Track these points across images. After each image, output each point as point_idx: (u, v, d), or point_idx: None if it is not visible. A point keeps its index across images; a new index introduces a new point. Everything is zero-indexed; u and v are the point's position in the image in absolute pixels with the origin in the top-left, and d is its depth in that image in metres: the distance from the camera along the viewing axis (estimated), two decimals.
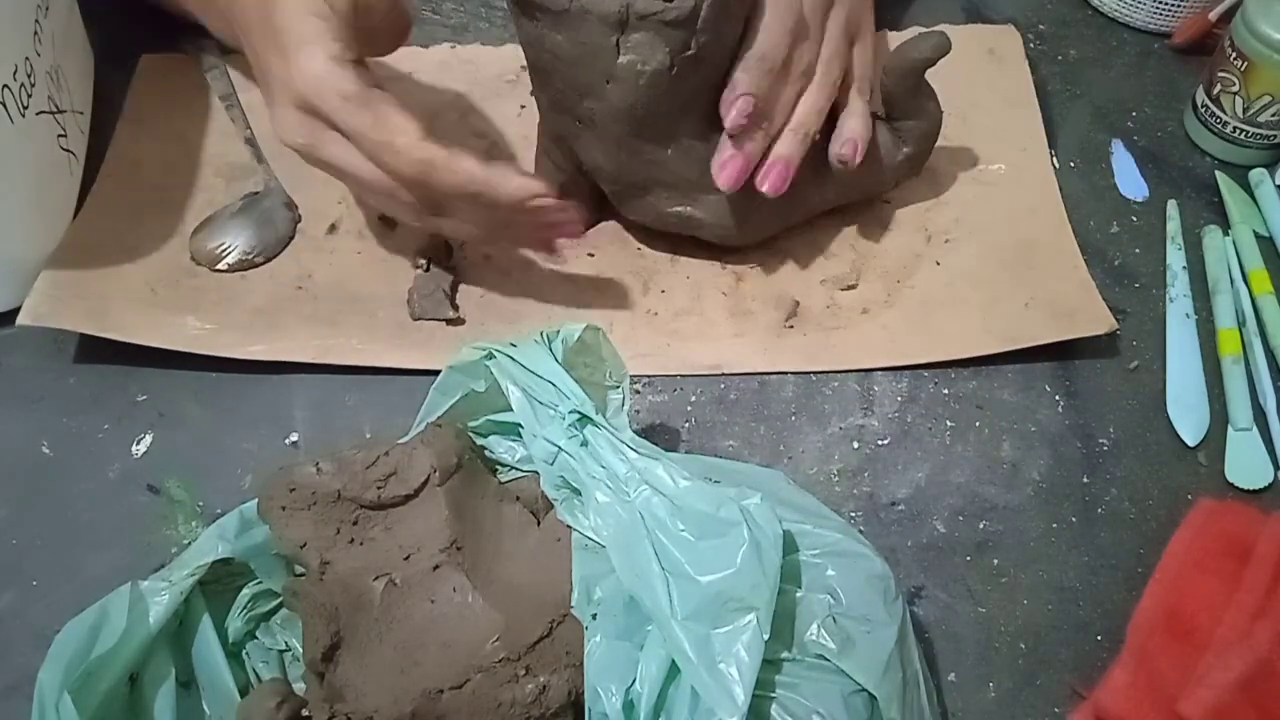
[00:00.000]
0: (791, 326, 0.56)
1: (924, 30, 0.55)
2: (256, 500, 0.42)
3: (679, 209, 0.55)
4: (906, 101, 0.56)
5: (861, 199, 0.59)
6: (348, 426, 0.53)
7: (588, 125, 0.52)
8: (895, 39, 0.68)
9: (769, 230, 0.57)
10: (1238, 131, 0.63)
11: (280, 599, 0.44)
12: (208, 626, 0.42)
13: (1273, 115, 0.61)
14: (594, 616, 0.38)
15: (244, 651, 0.44)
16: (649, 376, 0.55)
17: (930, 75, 0.56)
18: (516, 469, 0.46)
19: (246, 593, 0.44)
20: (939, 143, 0.59)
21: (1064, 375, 0.55)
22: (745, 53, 0.51)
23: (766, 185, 0.53)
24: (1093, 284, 0.56)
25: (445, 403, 0.45)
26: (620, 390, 0.44)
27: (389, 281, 0.57)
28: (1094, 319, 0.55)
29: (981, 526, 0.50)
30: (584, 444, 0.41)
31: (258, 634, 0.44)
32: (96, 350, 0.54)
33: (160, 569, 0.42)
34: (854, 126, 0.55)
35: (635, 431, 0.42)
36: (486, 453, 0.46)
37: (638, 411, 0.54)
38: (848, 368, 0.55)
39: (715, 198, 0.54)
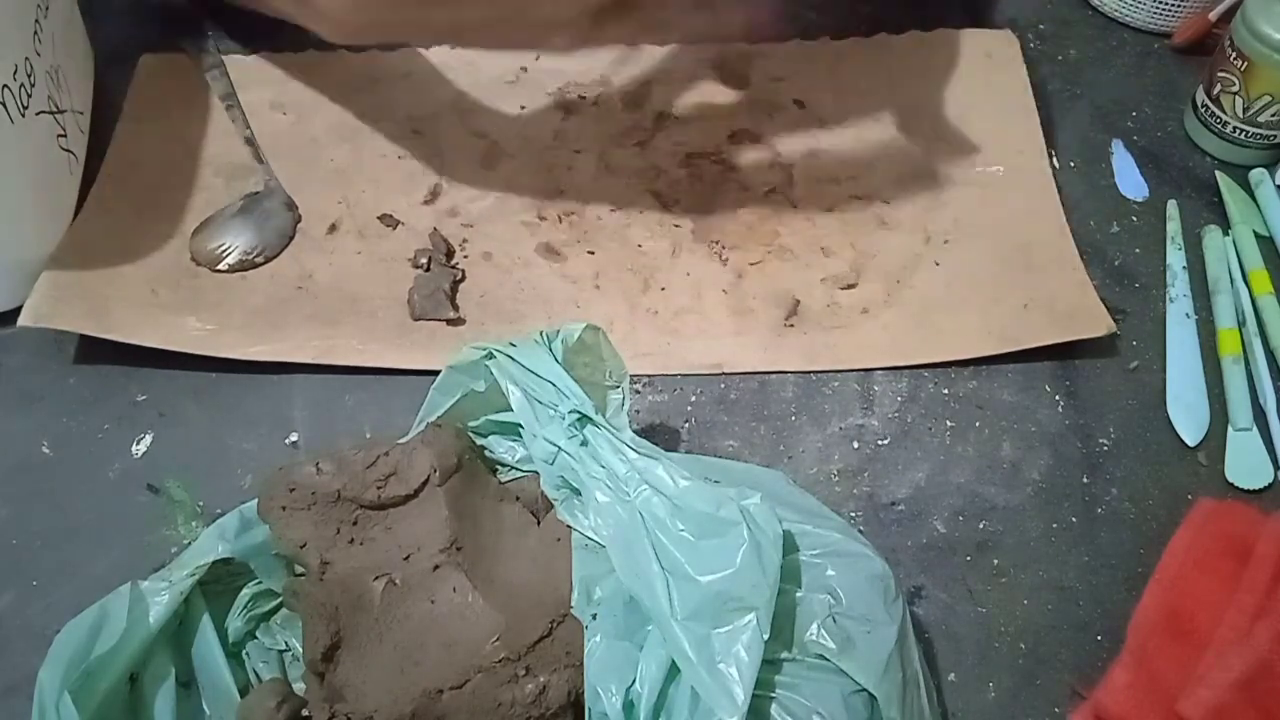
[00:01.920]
0: (792, 325, 0.56)
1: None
2: (256, 500, 0.42)
3: None
4: None
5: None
6: (348, 426, 0.53)
7: None
8: (895, 41, 0.68)
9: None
10: (1238, 131, 0.63)
11: (280, 599, 0.44)
12: (208, 626, 0.42)
13: (1273, 115, 0.61)
14: (594, 616, 0.38)
15: (244, 651, 0.44)
16: (649, 376, 0.55)
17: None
18: (516, 469, 0.46)
19: (246, 593, 0.44)
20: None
21: (1064, 375, 0.55)
22: None
23: None
24: (1091, 286, 0.57)
25: (445, 403, 0.45)
26: (620, 390, 0.44)
27: (389, 281, 0.57)
28: (1093, 321, 0.55)
29: (981, 526, 0.50)
30: (584, 444, 0.41)
31: (258, 634, 0.44)
32: (96, 350, 0.54)
33: (160, 569, 0.42)
34: None
35: (635, 431, 0.42)
36: (486, 453, 0.46)
37: (638, 411, 0.54)
38: (848, 367, 0.55)
39: None
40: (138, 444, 0.52)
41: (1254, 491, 0.51)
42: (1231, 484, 0.52)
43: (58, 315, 0.53)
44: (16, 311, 0.53)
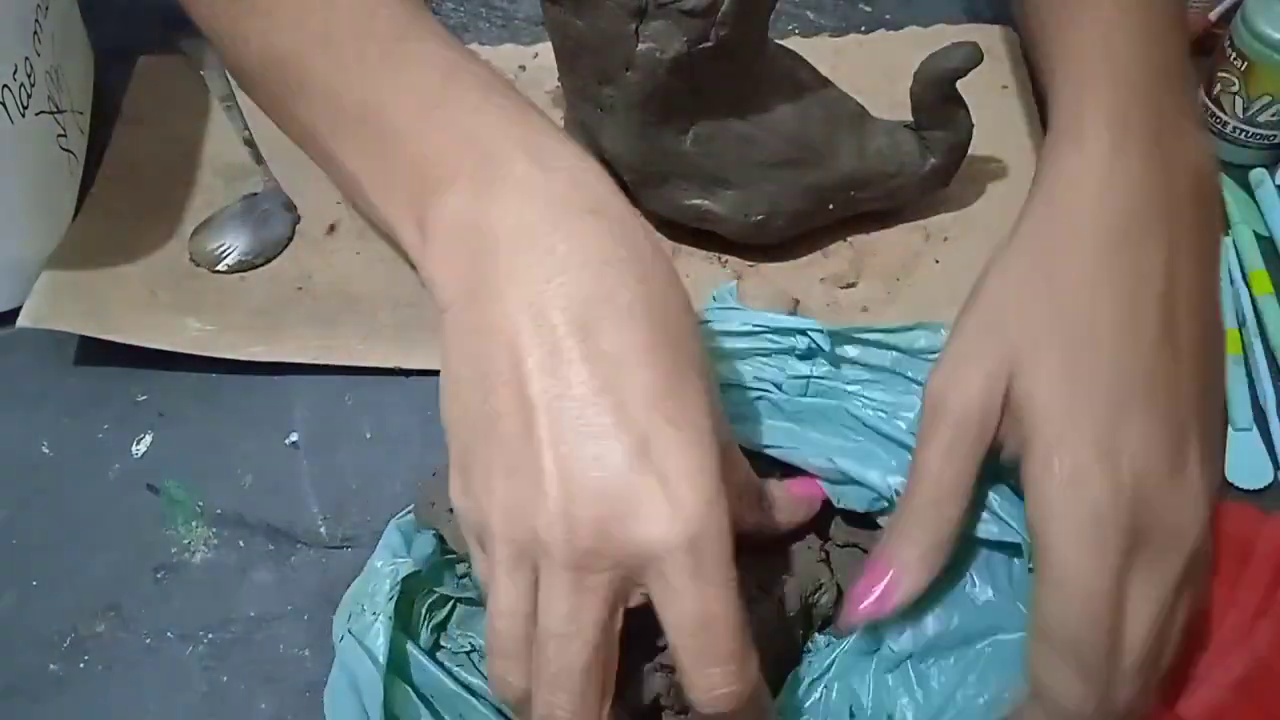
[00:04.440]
0: None
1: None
2: (413, 511, 0.43)
3: (696, 202, 0.55)
4: (935, 110, 0.55)
5: (884, 209, 0.59)
6: (348, 426, 0.53)
7: (608, 112, 0.52)
8: (894, 39, 0.68)
9: (788, 232, 0.57)
10: (1238, 131, 0.63)
11: (451, 601, 0.44)
12: (412, 648, 0.41)
13: (1273, 115, 0.61)
14: None
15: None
16: None
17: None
18: None
19: (420, 606, 0.43)
20: None
21: None
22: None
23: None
24: None
25: None
26: None
27: (389, 282, 0.57)
28: None
29: None
30: None
31: (443, 643, 0.44)
32: (96, 351, 0.54)
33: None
34: None
35: None
36: None
37: None
38: None
39: (732, 193, 0.54)
40: (138, 444, 0.52)
41: (1254, 491, 0.51)
42: (1231, 484, 0.51)
43: (57, 316, 0.53)
44: (16, 311, 0.53)
